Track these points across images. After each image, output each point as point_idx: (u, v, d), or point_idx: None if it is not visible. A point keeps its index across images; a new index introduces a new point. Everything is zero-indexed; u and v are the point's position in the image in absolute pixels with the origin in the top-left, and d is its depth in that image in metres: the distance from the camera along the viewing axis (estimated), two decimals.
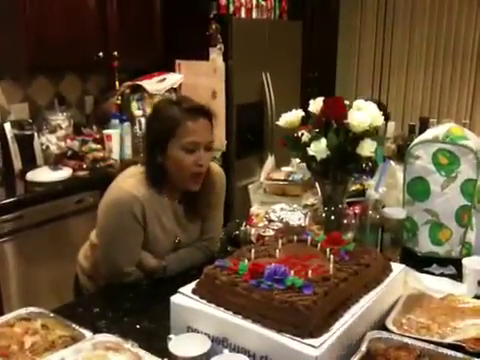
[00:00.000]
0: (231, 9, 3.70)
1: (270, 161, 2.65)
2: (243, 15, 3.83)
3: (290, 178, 2.41)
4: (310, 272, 1.17)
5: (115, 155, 3.14)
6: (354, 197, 1.95)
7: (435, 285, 1.52)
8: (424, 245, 1.79)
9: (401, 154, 2.11)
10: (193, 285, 1.25)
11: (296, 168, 2.43)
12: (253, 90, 3.78)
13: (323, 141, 1.52)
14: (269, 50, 3.82)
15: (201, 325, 1.18)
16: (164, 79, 3.57)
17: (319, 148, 1.52)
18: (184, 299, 1.22)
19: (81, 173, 2.90)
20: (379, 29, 4.68)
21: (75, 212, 2.76)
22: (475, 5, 4.21)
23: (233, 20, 3.56)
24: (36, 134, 2.90)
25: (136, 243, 1.66)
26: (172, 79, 3.60)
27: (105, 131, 3.18)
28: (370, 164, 1.62)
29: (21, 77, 3.09)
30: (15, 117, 3.04)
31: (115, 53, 3.15)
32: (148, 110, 3.27)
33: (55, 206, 2.67)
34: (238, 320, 1.13)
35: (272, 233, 1.80)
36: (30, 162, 2.87)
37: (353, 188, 2.01)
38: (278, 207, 2.02)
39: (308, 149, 1.54)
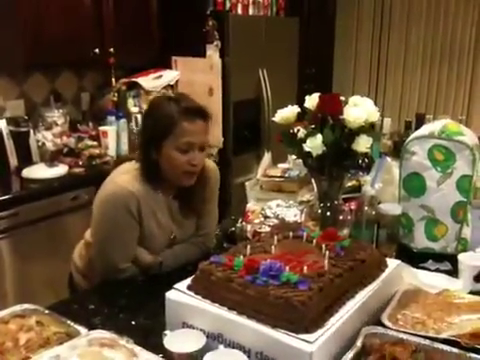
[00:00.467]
0: (228, 6, 3.70)
1: (267, 158, 2.64)
2: (239, 12, 3.82)
3: (286, 175, 2.40)
4: (305, 268, 1.17)
5: (111, 152, 3.13)
6: (350, 193, 1.95)
7: (431, 281, 1.53)
8: (420, 241, 1.79)
9: (397, 150, 2.11)
10: (188, 281, 1.25)
11: (292, 164, 2.43)
12: (250, 87, 3.78)
13: (319, 137, 1.52)
14: (266, 47, 3.81)
15: (196, 321, 1.18)
16: (160, 76, 3.56)
17: (315, 144, 1.52)
18: (179, 295, 1.22)
19: (77, 170, 2.90)
20: (376, 25, 4.67)
21: (71, 209, 2.75)
22: (471, 6, 4.22)
23: (230, 17, 3.55)
24: (32, 131, 2.88)
25: (131, 239, 1.65)
26: (168, 76, 3.59)
27: (101, 128, 3.17)
28: (366, 160, 1.62)
29: (17, 74, 3.08)
30: (11, 114, 3.02)
31: (111, 50, 3.14)
32: (144, 107, 3.25)
33: (51, 203, 2.67)
34: (233, 316, 1.13)
35: (268, 229, 1.79)
36: (26, 159, 2.85)
37: (349, 184, 2.01)
38: (274, 203, 2.02)
39: (304, 145, 1.54)
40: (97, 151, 3.06)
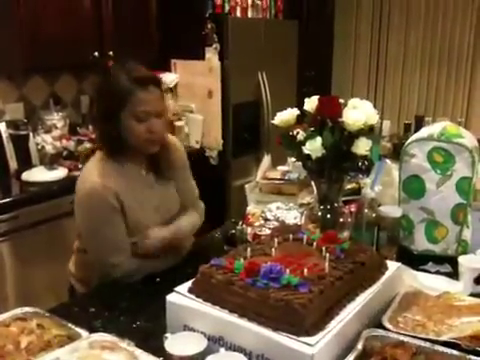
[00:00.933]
0: (226, 8, 3.71)
1: (266, 160, 2.65)
2: (238, 14, 3.83)
3: (286, 177, 2.41)
4: (306, 270, 1.17)
5: None
6: (350, 195, 1.95)
7: (431, 283, 1.52)
8: (420, 243, 1.79)
9: (397, 152, 2.12)
10: (189, 284, 1.25)
11: (292, 167, 2.43)
12: (249, 89, 3.78)
13: (318, 140, 1.52)
14: (265, 49, 3.82)
15: (197, 324, 1.18)
16: None
17: (314, 147, 1.52)
18: (180, 298, 1.22)
19: (77, 173, 2.88)
20: (375, 28, 4.68)
21: (70, 212, 2.71)
22: (469, 9, 4.23)
23: (229, 19, 3.56)
24: (31, 134, 2.88)
25: (119, 232, 1.66)
26: (168, 79, 3.60)
27: None
28: (365, 162, 1.63)
29: (16, 77, 3.08)
30: (10, 117, 3.02)
31: (110, 53, 3.14)
32: None
33: (51, 206, 2.66)
34: (234, 319, 1.13)
35: (268, 232, 1.79)
36: (25, 162, 2.86)
37: (349, 186, 2.01)
38: (274, 206, 2.02)
39: (303, 148, 1.54)
40: None
